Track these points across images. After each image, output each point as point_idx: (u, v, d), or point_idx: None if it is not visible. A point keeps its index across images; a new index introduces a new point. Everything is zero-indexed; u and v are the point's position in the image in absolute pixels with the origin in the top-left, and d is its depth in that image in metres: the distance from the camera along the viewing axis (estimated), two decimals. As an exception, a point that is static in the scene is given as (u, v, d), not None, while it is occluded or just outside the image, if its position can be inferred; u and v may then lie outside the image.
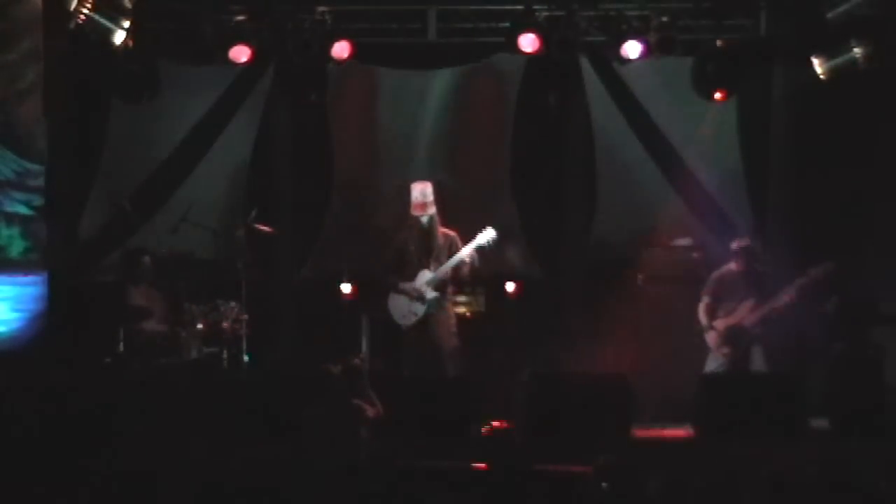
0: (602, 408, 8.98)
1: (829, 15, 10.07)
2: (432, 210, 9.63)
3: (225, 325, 9.97)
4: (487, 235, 9.53)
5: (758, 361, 9.85)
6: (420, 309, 9.57)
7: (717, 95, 11.09)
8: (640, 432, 9.21)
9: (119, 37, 10.17)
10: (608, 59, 11.03)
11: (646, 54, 10.68)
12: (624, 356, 9.96)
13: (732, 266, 10.01)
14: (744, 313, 9.87)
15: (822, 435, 9.20)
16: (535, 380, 9.35)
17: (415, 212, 9.66)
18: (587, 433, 8.71)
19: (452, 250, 9.65)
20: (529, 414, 9.17)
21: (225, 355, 9.92)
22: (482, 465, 7.06)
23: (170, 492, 7.05)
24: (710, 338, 9.96)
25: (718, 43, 10.87)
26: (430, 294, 9.56)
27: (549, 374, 9.87)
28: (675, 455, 8.77)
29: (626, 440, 8.93)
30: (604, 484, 6.06)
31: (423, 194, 9.64)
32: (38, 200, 9.68)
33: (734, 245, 10.04)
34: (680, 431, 9.42)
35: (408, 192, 9.82)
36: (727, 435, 8.94)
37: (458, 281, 9.78)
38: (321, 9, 10.66)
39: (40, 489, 7.23)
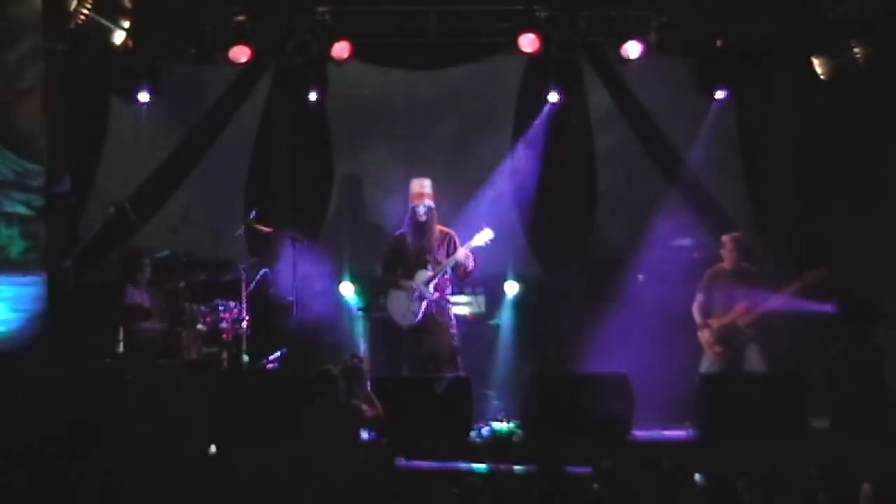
0: (602, 408, 8.97)
1: (829, 15, 10.07)
2: (430, 201, 9.62)
3: (225, 325, 9.96)
4: (485, 236, 9.49)
5: (754, 361, 9.83)
6: (420, 308, 9.55)
7: (718, 95, 11.10)
8: (641, 433, 9.20)
9: (119, 37, 10.16)
10: (608, 59, 11.03)
11: (646, 54, 10.69)
12: (624, 356, 9.95)
13: (724, 263, 10.01)
14: (738, 313, 9.86)
15: (822, 435, 9.20)
16: (535, 380, 9.34)
17: (413, 202, 9.64)
18: (588, 434, 8.71)
19: (450, 248, 9.63)
20: (529, 414, 9.16)
21: (225, 355, 9.91)
22: (482, 465, 7.08)
23: (169, 491, 7.06)
24: (703, 336, 9.97)
25: (718, 43, 10.87)
26: (430, 294, 9.54)
27: (549, 374, 9.86)
28: (675, 455, 8.76)
29: (626, 440, 8.93)
30: (595, 486, 6.08)
31: (422, 185, 9.64)
32: (38, 200, 9.66)
33: (724, 238, 10.04)
34: (680, 431, 9.41)
35: (408, 191, 9.81)
36: (727, 435, 8.93)
37: (456, 281, 9.77)
38: (321, 9, 10.67)
39: (40, 489, 7.25)
